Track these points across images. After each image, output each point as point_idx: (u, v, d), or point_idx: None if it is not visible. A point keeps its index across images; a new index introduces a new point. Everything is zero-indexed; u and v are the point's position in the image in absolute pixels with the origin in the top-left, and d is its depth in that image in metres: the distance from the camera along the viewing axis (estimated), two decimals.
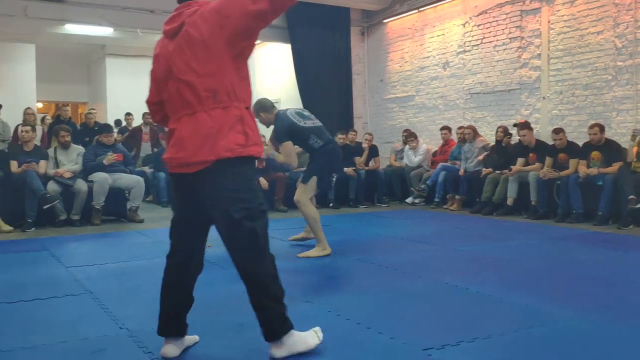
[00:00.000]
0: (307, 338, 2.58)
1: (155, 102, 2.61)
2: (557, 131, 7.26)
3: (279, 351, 2.51)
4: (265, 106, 4.97)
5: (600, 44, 7.53)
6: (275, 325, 2.50)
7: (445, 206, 8.41)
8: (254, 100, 3.21)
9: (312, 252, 4.93)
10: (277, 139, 5.00)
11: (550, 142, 7.55)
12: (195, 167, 2.39)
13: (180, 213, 2.60)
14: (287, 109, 5.12)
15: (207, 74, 2.38)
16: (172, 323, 2.63)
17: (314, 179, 4.92)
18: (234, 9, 2.31)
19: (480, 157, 8.33)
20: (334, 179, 5.31)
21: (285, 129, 4.88)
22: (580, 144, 7.17)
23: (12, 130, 9.50)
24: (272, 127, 5.19)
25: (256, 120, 2.87)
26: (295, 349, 2.52)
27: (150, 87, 2.61)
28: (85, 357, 2.63)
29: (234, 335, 2.87)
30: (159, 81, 2.53)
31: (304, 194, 4.91)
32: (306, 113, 5.17)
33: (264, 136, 9.52)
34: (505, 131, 8.15)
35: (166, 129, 2.64)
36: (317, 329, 2.68)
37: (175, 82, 2.42)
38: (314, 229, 4.95)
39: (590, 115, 7.62)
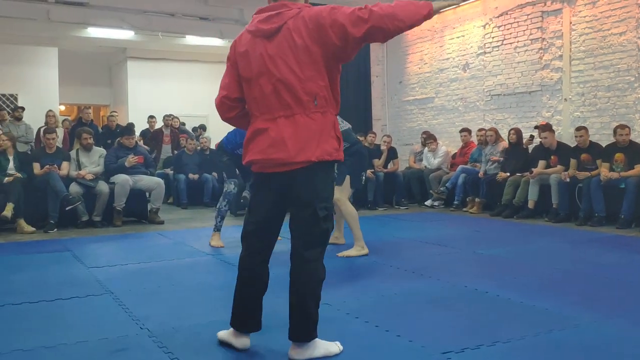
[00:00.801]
0: (329, 346, 2.62)
1: (235, 99, 2.63)
2: (579, 129, 7.18)
3: (301, 353, 2.54)
4: None
5: (622, 45, 7.43)
6: (308, 327, 2.54)
7: (465, 209, 8.36)
8: None
9: (351, 252, 5.04)
10: None
11: (572, 144, 7.47)
12: (295, 166, 2.45)
13: (266, 214, 2.62)
14: None
15: (308, 79, 2.44)
16: (250, 318, 2.70)
17: (347, 179, 5.08)
18: (334, 30, 2.35)
19: (494, 158, 8.29)
20: (364, 178, 5.40)
21: None
22: (602, 146, 7.09)
23: (34, 132, 9.65)
24: None
25: None
26: (315, 354, 2.55)
27: (230, 83, 2.62)
28: (106, 357, 2.66)
29: (254, 336, 2.88)
30: (247, 79, 2.54)
31: (342, 193, 5.05)
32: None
33: None
34: (518, 133, 8.09)
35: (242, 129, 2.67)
36: (339, 343, 2.68)
37: (273, 82, 2.45)
38: (353, 228, 5.07)
39: (613, 117, 7.52)
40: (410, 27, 2.37)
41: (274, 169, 2.51)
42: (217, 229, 5.62)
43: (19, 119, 9.59)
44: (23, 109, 9.82)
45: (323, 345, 2.59)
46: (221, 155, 5.81)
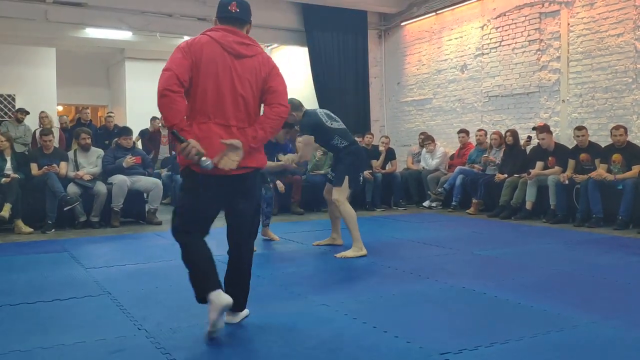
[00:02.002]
0: (245, 310, 3.16)
1: (182, 82, 2.78)
2: (579, 128, 7.19)
3: (235, 318, 3.09)
4: (295, 105, 5.10)
5: (620, 47, 7.44)
6: (245, 298, 3.11)
7: (467, 211, 8.33)
8: None
9: (349, 253, 5.05)
10: (301, 131, 5.15)
11: (570, 146, 7.48)
12: (243, 171, 2.89)
13: (213, 209, 2.98)
14: (316, 109, 5.34)
15: (258, 102, 2.99)
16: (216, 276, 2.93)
17: (346, 179, 5.09)
18: (277, 97, 3.00)
19: (491, 159, 8.30)
20: (362, 178, 5.43)
21: (311, 125, 5.04)
22: (601, 146, 7.10)
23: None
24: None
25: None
26: (242, 315, 3.12)
27: (184, 69, 2.79)
28: (104, 358, 2.65)
29: (253, 337, 2.88)
30: (206, 83, 2.85)
31: (341, 193, 5.09)
32: (333, 115, 5.31)
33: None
34: (514, 135, 8.11)
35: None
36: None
37: (235, 96, 2.88)
38: (351, 229, 5.08)
39: (610, 118, 7.53)
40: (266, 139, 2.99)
41: (234, 171, 2.86)
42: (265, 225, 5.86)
43: (20, 121, 9.57)
44: (27, 112, 9.80)
45: (245, 311, 3.16)
46: None
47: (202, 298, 2.87)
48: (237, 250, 3.04)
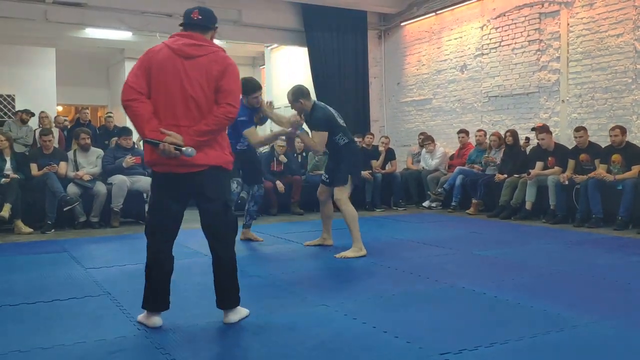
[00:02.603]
0: (242, 309, 3.22)
1: (139, 91, 2.93)
2: (578, 129, 7.19)
3: (234, 316, 3.14)
4: (306, 93, 5.16)
5: (619, 47, 7.45)
6: (238, 295, 3.16)
7: (467, 211, 8.31)
8: None
9: (349, 253, 5.03)
10: (316, 126, 5.06)
11: (570, 146, 7.48)
12: (195, 169, 2.95)
13: (170, 209, 3.05)
14: (321, 103, 5.33)
15: (212, 100, 2.96)
16: (164, 299, 3.14)
17: (349, 179, 5.11)
18: (220, 85, 2.96)
19: (491, 159, 8.31)
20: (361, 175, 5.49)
21: (327, 119, 5.06)
22: (601, 146, 7.10)
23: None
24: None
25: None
26: (243, 314, 3.18)
27: (139, 78, 2.95)
28: (104, 358, 2.65)
29: (253, 338, 2.88)
30: (159, 87, 2.93)
31: (343, 192, 5.09)
32: (338, 112, 5.34)
33: (282, 138, 9.55)
34: (514, 135, 8.11)
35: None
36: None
37: (186, 97, 2.92)
38: (352, 228, 5.07)
39: (610, 118, 7.54)
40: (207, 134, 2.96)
41: (178, 170, 2.95)
42: (247, 226, 5.89)
43: (25, 122, 9.57)
44: (32, 114, 9.79)
45: (242, 309, 3.21)
46: None
47: (145, 306, 3.10)
48: (212, 250, 3.15)
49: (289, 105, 5.23)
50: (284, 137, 7.26)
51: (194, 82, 2.93)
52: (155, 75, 2.95)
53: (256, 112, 5.43)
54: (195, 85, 2.93)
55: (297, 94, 5.08)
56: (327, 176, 5.35)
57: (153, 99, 2.95)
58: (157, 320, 3.08)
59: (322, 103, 5.28)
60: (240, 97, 5.26)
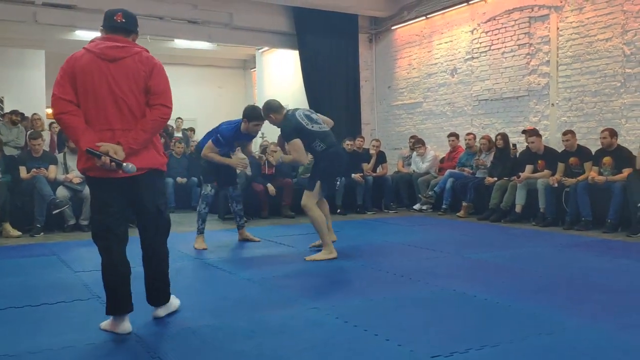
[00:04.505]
0: (174, 301, 3.35)
1: (69, 101, 2.88)
2: (566, 133, 7.23)
3: (165, 311, 3.25)
4: (274, 107, 5.17)
5: (608, 51, 7.51)
6: (167, 291, 3.24)
7: (457, 214, 8.33)
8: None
9: (319, 255, 5.06)
10: (286, 137, 5.13)
11: (559, 149, 7.52)
12: (139, 172, 2.90)
13: (110, 210, 3.01)
14: (296, 110, 5.25)
15: (142, 101, 2.93)
16: (125, 302, 3.09)
17: (318, 184, 5.07)
18: (157, 98, 2.94)
19: (481, 162, 8.34)
20: (339, 183, 5.39)
21: (292, 129, 5.03)
22: (590, 149, 7.15)
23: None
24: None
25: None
26: (172, 308, 3.29)
27: (66, 88, 2.88)
28: None
29: (244, 341, 2.87)
30: (86, 92, 2.88)
31: (310, 198, 5.06)
32: (314, 116, 5.27)
33: (274, 143, 9.54)
34: (505, 138, 8.15)
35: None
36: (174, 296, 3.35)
37: (116, 100, 2.88)
38: (320, 233, 5.08)
39: (599, 122, 7.59)
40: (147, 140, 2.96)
41: (116, 175, 2.89)
42: (200, 231, 5.74)
43: (15, 123, 9.49)
44: (22, 114, 9.71)
45: (173, 300, 3.32)
46: (199, 157, 5.88)
47: (109, 312, 3.06)
48: (143, 246, 3.15)
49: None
50: (275, 142, 7.35)
51: (122, 84, 2.89)
52: (81, 82, 2.88)
53: (247, 140, 5.66)
54: (124, 87, 2.89)
55: (266, 109, 5.17)
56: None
57: (82, 107, 2.89)
58: (126, 325, 3.01)
59: (293, 112, 5.18)
60: (241, 121, 5.38)
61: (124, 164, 2.81)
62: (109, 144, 2.83)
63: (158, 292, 3.20)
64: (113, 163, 2.79)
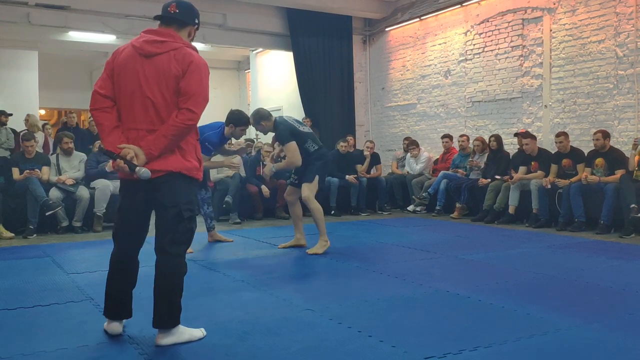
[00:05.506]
0: (193, 332, 2.93)
1: (105, 95, 2.81)
2: (559, 135, 7.27)
3: (167, 339, 2.83)
4: (264, 115, 5.42)
5: (601, 53, 7.54)
6: (173, 315, 2.83)
7: (451, 215, 8.35)
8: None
9: (318, 249, 5.34)
10: (281, 141, 5.41)
11: (552, 151, 7.55)
12: (153, 175, 2.72)
13: (131, 215, 2.93)
14: (282, 116, 5.58)
15: (172, 102, 2.74)
16: (125, 307, 3.02)
17: (316, 178, 5.37)
18: (185, 101, 2.72)
19: (475, 163, 8.37)
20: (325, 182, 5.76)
21: (288, 132, 5.30)
22: (583, 151, 7.18)
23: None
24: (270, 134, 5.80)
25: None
26: (180, 339, 2.85)
27: (105, 82, 2.83)
28: None
29: (237, 343, 2.86)
30: (119, 89, 2.79)
31: (311, 190, 5.36)
32: (300, 121, 5.64)
33: (268, 144, 9.54)
34: (498, 140, 8.18)
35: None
36: (203, 329, 3.00)
37: (143, 99, 2.74)
38: (320, 223, 5.38)
39: (592, 123, 7.62)
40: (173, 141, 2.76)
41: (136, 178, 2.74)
42: (211, 228, 6.14)
43: (3, 123, 9.43)
44: (10, 114, 9.64)
45: (187, 331, 2.89)
46: None
47: (105, 315, 3.02)
48: (158, 256, 2.86)
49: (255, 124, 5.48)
50: (269, 143, 7.43)
51: (151, 83, 2.72)
52: (117, 77, 2.79)
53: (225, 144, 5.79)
54: (153, 86, 2.72)
55: (257, 118, 5.39)
56: (296, 177, 5.62)
57: (117, 103, 2.81)
58: (115, 326, 2.97)
59: (281, 117, 5.51)
60: (223, 125, 5.47)
61: (137, 168, 2.67)
62: (132, 146, 2.71)
63: (164, 312, 2.82)
64: (126, 166, 2.68)
